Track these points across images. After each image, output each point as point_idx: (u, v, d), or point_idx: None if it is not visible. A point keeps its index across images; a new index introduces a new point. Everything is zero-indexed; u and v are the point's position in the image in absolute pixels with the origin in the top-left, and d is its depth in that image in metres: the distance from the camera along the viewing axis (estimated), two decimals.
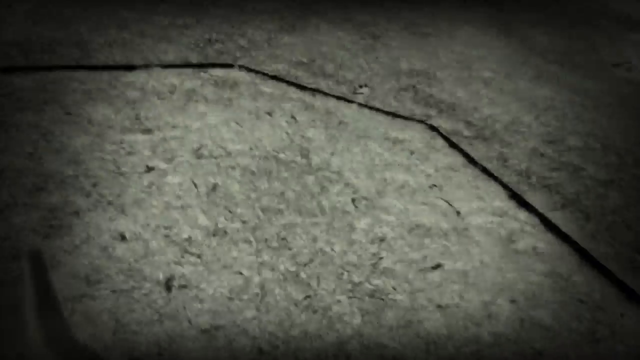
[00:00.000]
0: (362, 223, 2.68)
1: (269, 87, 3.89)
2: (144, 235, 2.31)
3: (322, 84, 4.04)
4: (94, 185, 2.54)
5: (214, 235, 2.39)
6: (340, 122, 3.59)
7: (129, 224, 2.36)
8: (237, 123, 3.33)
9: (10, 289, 1.54)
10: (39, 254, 1.46)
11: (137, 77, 3.63)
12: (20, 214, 2.29)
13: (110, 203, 2.45)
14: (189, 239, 2.34)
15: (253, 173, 2.89)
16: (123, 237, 2.27)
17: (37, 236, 2.19)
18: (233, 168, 2.90)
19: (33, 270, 1.42)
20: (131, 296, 2.00)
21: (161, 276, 2.12)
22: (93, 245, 2.20)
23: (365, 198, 2.88)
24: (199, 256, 2.26)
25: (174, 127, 3.15)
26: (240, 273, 2.20)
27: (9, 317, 1.45)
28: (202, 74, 3.83)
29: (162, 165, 2.79)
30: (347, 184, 2.96)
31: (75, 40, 3.94)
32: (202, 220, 2.47)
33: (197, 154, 2.96)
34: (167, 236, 2.33)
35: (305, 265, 2.31)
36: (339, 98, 3.89)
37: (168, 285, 2.07)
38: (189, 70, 3.83)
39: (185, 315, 1.96)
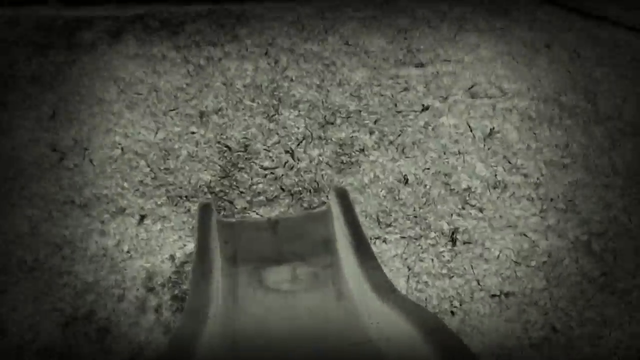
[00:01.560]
0: None
1: (546, 13, 3.49)
2: (425, 180, 2.33)
3: (610, 12, 3.49)
4: (375, 122, 2.61)
5: (494, 187, 2.32)
6: (632, 59, 3.10)
7: (410, 167, 2.39)
8: (513, 57, 3.08)
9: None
10: (343, 190, 1.54)
11: (407, 3, 3.54)
12: (316, 147, 2.47)
13: (391, 143, 2.51)
14: (468, 189, 2.30)
15: (532, 118, 2.68)
16: (406, 181, 2.33)
17: (332, 170, 2.36)
18: (510, 111, 2.72)
19: (343, 206, 1.51)
20: (419, 245, 2.07)
21: (445, 227, 2.14)
22: (380, 186, 2.30)
23: None
24: (480, 210, 2.22)
25: (445, 60, 3.04)
26: (526, 235, 2.12)
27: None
28: None
29: (437, 104, 2.74)
30: None
31: None
32: (480, 169, 2.40)
33: (471, 92, 2.83)
34: (446, 184, 2.33)
35: (598, 235, 2.12)
36: (631, 29, 3.33)
37: (453, 238, 2.08)
38: None
39: (472, 274, 1.97)
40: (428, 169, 2.40)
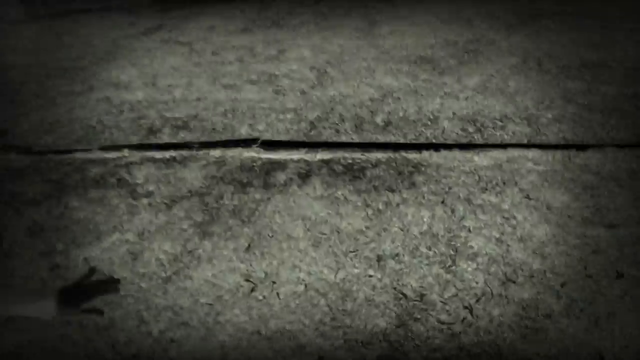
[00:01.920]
0: None
1: None
2: None
3: None
4: (563, 285, 2.48)
5: None
6: None
7: (605, 342, 2.19)
8: None
9: None
10: None
11: (591, 157, 3.46)
12: (497, 305, 2.39)
13: (582, 311, 2.34)
14: None
15: None
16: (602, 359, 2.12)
17: (514, 334, 2.25)
18: None
19: None
20: None
21: None
22: None
23: None
24: None
25: None
26: None
27: None
28: None
29: (633, 272, 2.53)
30: None
31: (524, 115, 4.04)
32: None
33: None
34: None
35: None
36: None
37: None
38: None
39: None
40: (627, 346, 2.17)
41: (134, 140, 4.18)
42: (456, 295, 2.49)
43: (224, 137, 4.11)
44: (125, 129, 4.37)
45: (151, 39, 6.31)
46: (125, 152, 4.01)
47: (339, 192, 3.33)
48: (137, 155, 3.94)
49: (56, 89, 5.32)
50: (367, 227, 3.01)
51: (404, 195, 3.26)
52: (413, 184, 3.36)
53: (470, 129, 3.90)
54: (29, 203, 3.49)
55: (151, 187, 3.54)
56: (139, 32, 6.48)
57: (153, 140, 4.16)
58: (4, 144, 4.27)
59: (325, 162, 3.68)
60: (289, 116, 4.34)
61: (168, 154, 3.93)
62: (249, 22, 6.52)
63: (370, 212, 3.14)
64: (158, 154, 3.94)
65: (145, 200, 3.38)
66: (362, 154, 3.74)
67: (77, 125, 4.53)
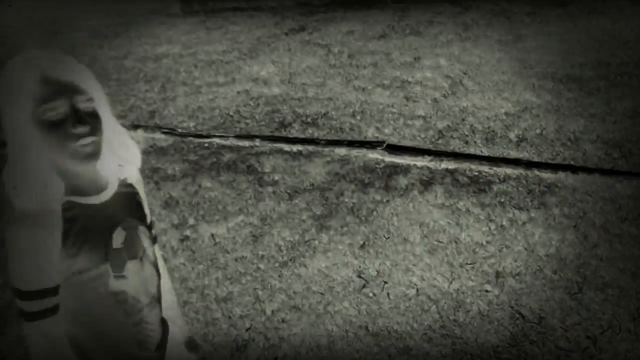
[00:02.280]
0: None
1: None
2: None
3: None
4: None
5: None
6: None
7: None
8: None
9: None
10: None
11: None
12: (624, 341, 2.19)
13: None
14: None
15: None
16: None
17: None
18: None
19: None
20: None
21: None
22: None
23: None
24: None
25: None
26: None
27: None
28: None
29: None
30: None
31: None
32: None
33: None
34: None
35: None
36: None
37: None
38: None
39: None
40: None
41: (266, 131, 4.40)
42: (579, 323, 2.31)
43: (350, 137, 4.18)
44: (259, 120, 4.61)
45: (293, 39, 6.59)
46: (257, 142, 4.23)
47: (461, 203, 3.24)
48: (267, 146, 4.14)
49: (202, 79, 5.76)
50: (487, 242, 2.90)
51: (532, 215, 3.09)
52: (544, 204, 3.18)
53: (615, 155, 3.60)
54: (168, 179, 3.81)
55: (277, 177, 3.70)
56: (282, 32, 6.81)
57: (283, 133, 4.35)
58: (152, 124, 4.71)
59: (450, 172, 3.60)
60: (417, 123, 4.31)
61: (296, 147, 4.08)
62: (388, 28, 6.57)
63: (493, 227, 3.02)
64: (286, 147, 4.11)
65: (270, 189, 3.54)
66: (490, 168, 3.61)
67: (217, 113, 4.86)
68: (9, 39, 7.91)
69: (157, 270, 1.23)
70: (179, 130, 4.57)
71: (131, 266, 1.11)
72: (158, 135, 4.46)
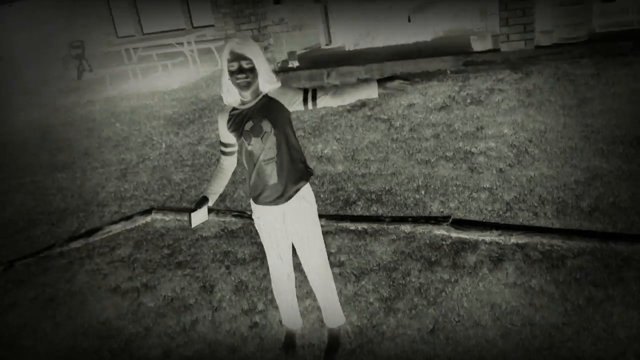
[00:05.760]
0: None
1: None
2: None
3: None
4: None
5: None
6: None
7: None
8: None
9: None
10: None
11: None
12: None
13: None
14: None
15: None
16: None
17: None
18: None
19: None
20: None
21: None
22: None
23: None
24: None
25: None
26: None
27: None
28: None
29: None
30: None
31: None
32: None
33: None
34: None
35: None
36: None
37: None
38: None
39: None
40: None
41: (331, 210, 4.49)
42: None
43: (414, 213, 4.19)
44: (324, 199, 4.72)
45: (355, 115, 6.78)
46: (323, 221, 4.32)
47: (534, 281, 3.14)
48: (333, 226, 4.21)
49: None
50: (564, 324, 2.78)
51: (610, 292, 2.95)
52: (621, 280, 3.02)
53: None
54: (238, 262, 3.94)
55: (343, 257, 3.74)
56: (344, 109, 7.02)
57: (348, 211, 4.43)
58: (223, 207, 4.93)
59: (520, 247, 3.51)
60: (483, 195, 4.27)
61: (361, 226, 4.13)
62: (449, 99, 6.64)
63: (569, 306, 2.89)
64: (352, 226, 4.16)
65: (337, 270, 3.58)
66: (562, 242, 3.49)
67: None
68: (95, 131, 8.64)
69: (277, 143, 2.44)
70: (249, 213, 4.75)
71: (254, 141, 2.41)
72: (229, 219, 4.65)
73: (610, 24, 7.88)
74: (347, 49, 10.53)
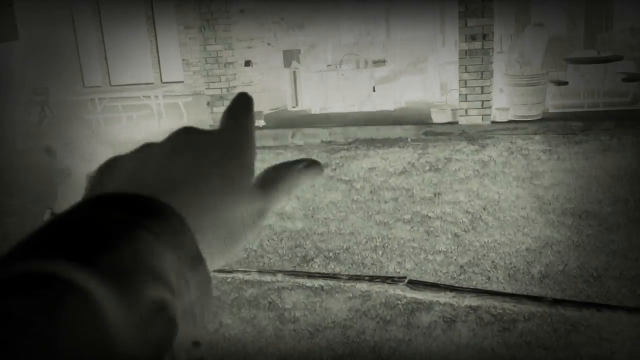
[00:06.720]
0: None
1: None
2: None
3: None
4: None
5: None
6: None
7: None
8: None
9: None
10: None
11: None
12: None
13: None
14: None
15: None
16: None
17: None
18: None
19: None
20: None
21: None
22: None
23: None
24: None
25: None
26: None
27: None
28: None
29: None
30: None
31: None
32: None
33: None
34: None
35: None
36: None
37: None
38: None
39: None
40: None
41: (288, 266, 4.47)
42: None
43: (371, 272, 4.21)
44: (282, 255, 4.70)
45: None
46: (279, 276, 4.28)
47: (486, 343, 3.17)
48: (289, 281, 4.18)
49: None
50: None
51: (559, 355, 2.99)
52: (570, 344, 3.08)
53: None
54: None
55: (298, 314, 3.70)
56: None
57: (305, 268, 4.41)
58: None
59: (473, 309, 3.55)
60: (438, 258, 4.34)
61: (317, 282, 4.11)
62: (408, 165, 6.84)
63: None
64: (308, 282, 4.14)
65: (291, 326, 3.52)
66: (514, 305, 3.56)
67: (242, 249, 4.97)
68: (49, 178, 8.43)
69: None
70: None
71: None
72: None
73: (563, 105, 8.39)
74: (312, 112, 10.79)
